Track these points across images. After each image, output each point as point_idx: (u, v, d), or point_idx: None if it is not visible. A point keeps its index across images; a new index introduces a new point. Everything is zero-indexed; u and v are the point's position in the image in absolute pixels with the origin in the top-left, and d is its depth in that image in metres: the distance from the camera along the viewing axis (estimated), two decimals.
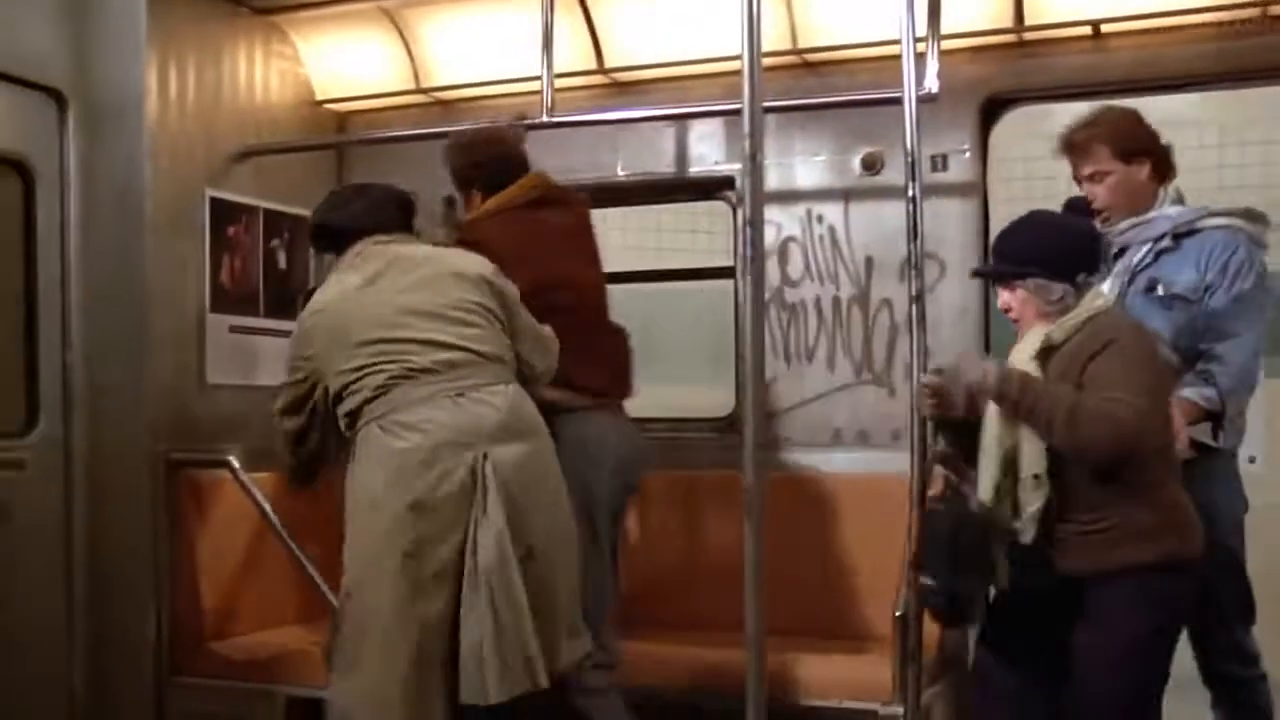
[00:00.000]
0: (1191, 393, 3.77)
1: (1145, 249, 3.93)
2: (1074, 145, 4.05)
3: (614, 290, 4.76)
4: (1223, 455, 3.92)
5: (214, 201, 5.02)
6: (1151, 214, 3.94)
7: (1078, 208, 3.94)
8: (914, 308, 3.87)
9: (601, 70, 5.13)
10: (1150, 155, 3.94)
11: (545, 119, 4.79)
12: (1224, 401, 3.79)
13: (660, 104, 5.06)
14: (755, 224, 2.69)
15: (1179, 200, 3.97)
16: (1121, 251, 3.98)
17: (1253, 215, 3.93)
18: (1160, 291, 3.88)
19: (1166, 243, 3.90)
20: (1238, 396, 3.84)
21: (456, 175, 4.30)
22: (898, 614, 3.83)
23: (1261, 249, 3.91)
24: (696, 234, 5.32)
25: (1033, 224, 3.58)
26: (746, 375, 2.73)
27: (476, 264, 3.71)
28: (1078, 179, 4.05)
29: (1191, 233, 3.89)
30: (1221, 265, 3.82)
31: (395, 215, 3.84)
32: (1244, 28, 4.42)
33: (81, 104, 4.72)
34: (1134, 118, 3.99)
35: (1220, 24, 4.46)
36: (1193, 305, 3.85)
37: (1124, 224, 3.96)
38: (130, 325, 4.73)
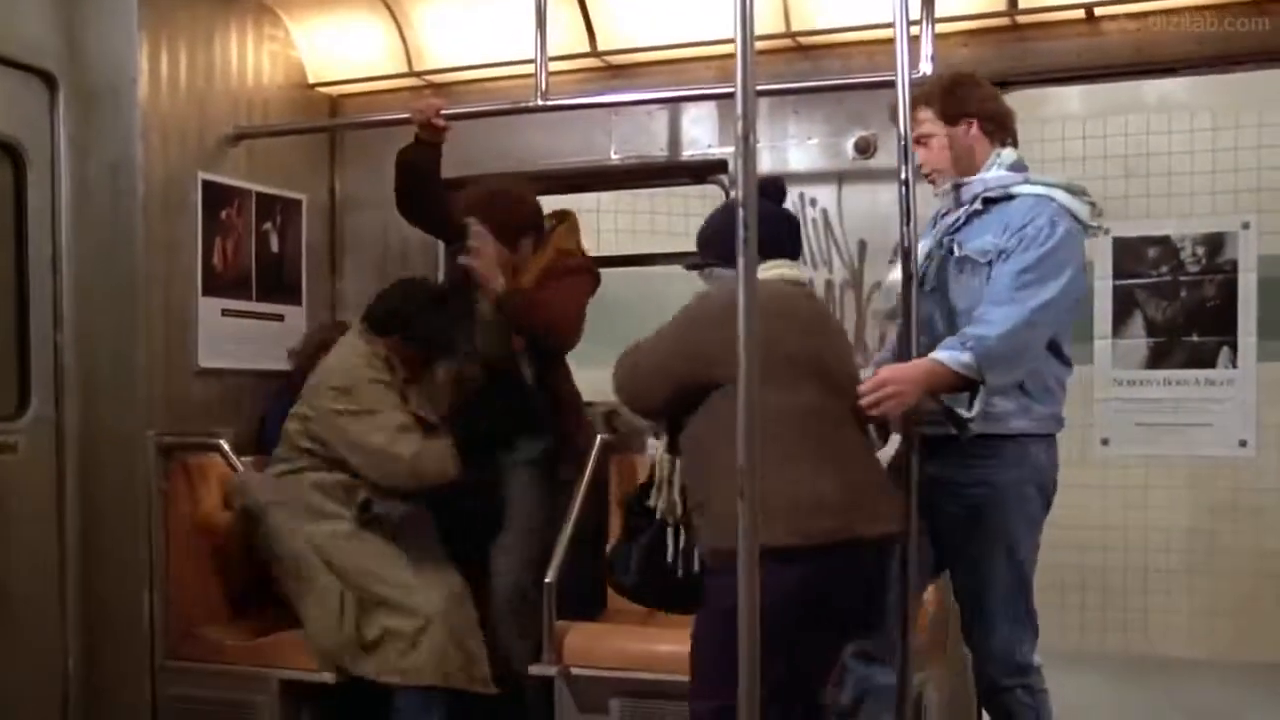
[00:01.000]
0: (943, 354, 3.47)
1: (960, 212, 3.84)
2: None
3: (607, 274, 4.79)
4: (1014, 439, 3.68)
5: (206, 184, 5.01)
6: (973, 178, 3.84)
7: (765, 190, 3.71)
8: (906, 290, 3.85)
9: (594, 53, 5.12)
10: (976, 117, 3.84)
11: (538, 102, 4.78)
12: (980, 369, 3.43)
13: (653, 87, 5.06)
14: (748, 206, 2.67)
15: (1017, 167, 3.83)
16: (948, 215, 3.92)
17: (1073, 189, 3.77)
18: (956, 253, 3.79)
19: (977, 205, 3.80)
20: (999, 367, 3.47)
21: None
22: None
23: (1078, 224, 3.72)
24: (690, 218, 5.30)
25: (716, 215, 3.73)
26: (739, 358, 2.72)
27: None
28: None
29: (1004, 199, 3.77)
30: (1018, 231, 3.63)
31: None
32: (1237, 11, 4.41)
33: (73, 86, 4.71)
34: (962, 80, 3.90)
35: (1214, 7, 4.45)
36: (980, 269, 3.70)
37: (945, 185, 3.90)
38: (122, 308, 4.73)
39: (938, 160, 3.87)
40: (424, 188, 4.64)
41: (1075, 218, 3.70)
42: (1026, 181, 3.74)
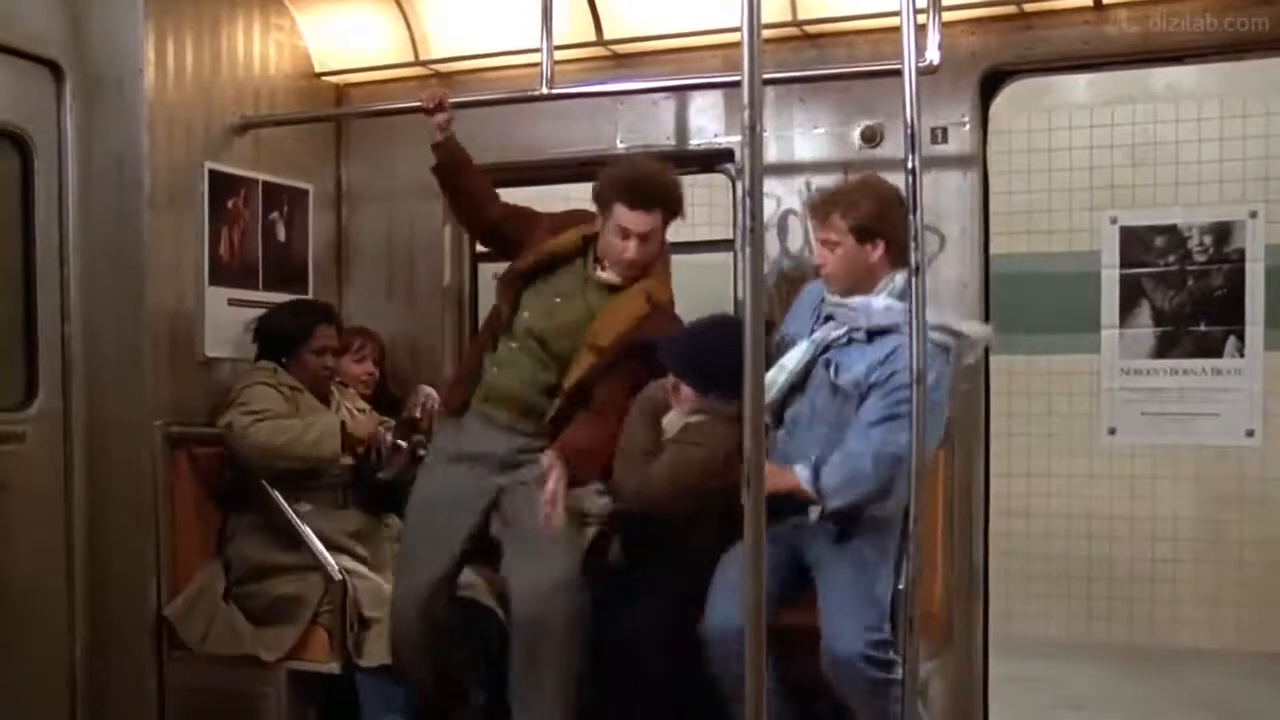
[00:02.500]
0: (800, 471, 3.86)
1: (843, 331, 4.01)
2: (814, 209, 4.20)
3: None
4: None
5: (212, 174, 5.00)
6: (861, 301, 4.00)
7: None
8: (915, 280, 3.85)
9: (600, 42, 5.10)
10: (887, 241, 3.96)
11: (544, 91, 4.77)
12: (821, 493, 3.83)
13: (659, 76, 5.04)
14: (754, 195, 2.67)
15: (899, 295, 3.92)
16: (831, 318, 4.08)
17: (954, 332, 3.96)
18: (831, 375, 3.98)
19: (860, 335, 3.97)
20: (841, 495, 3.84)
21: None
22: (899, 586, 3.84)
23: (950, 364, 3.94)
24: (696, 207, 5.29)
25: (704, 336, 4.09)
26: (745, 347, 2.71)
27: None
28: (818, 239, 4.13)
29: (885, 331, 3.93)
30: (890, 372, 3.84)
31: None
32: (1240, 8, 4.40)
33: (79, 76, 4.71)
34: (884, 198, 4.00)
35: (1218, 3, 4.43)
36: (851, 397, 3.92)
37: (835, 299, 4.07)
38: (129, 299, 4.73)
39: (836, 269, 4.05)
40: (461, 189, 4.56)
41: (945, 351, 3.90)
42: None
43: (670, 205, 4.24)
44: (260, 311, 5.02)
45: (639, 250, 4.19)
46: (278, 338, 4.89)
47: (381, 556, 4.77)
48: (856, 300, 4.02)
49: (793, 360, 4.06)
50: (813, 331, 4.12)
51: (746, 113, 2.67)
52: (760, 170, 2.66)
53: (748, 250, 2.72)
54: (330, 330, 4.94)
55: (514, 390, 4.28)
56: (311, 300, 5.28)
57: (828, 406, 4.00)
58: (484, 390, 4.33)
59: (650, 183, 4.21)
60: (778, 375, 4.03)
